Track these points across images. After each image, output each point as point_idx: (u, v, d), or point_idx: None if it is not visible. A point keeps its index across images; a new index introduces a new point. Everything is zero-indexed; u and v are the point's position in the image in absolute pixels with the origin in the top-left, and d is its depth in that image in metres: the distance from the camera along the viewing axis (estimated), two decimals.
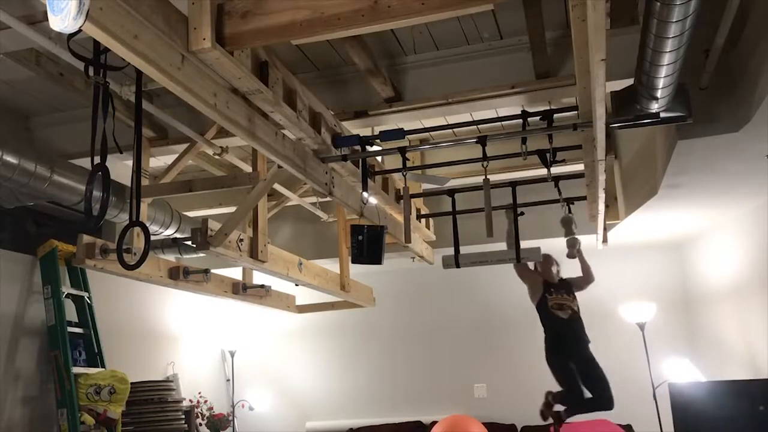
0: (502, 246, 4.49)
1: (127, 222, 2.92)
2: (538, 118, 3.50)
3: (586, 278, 4.95)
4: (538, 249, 4.33)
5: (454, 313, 6.87)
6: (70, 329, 4.54)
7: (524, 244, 4.37)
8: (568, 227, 4.49)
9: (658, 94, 2.81)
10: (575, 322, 4.75)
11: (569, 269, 4.93)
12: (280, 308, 5.74)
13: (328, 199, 4.07)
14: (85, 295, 4.77)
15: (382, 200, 4.48)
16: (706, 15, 2.40)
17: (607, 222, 5.14)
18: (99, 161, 2.50)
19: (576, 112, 3.28)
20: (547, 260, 4.81)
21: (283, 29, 2.31)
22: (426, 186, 5.19)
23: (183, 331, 6.44)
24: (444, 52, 3.97)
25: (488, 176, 3.81)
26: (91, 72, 2.50)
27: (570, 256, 4.64)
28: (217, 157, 4.48)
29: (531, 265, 4.81)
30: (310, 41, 3.38)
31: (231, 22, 2.32)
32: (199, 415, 6.07)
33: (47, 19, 1.75)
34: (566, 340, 4.71)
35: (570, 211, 4.51)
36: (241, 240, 3.97)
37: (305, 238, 6.26)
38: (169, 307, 6.23)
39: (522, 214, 4.42)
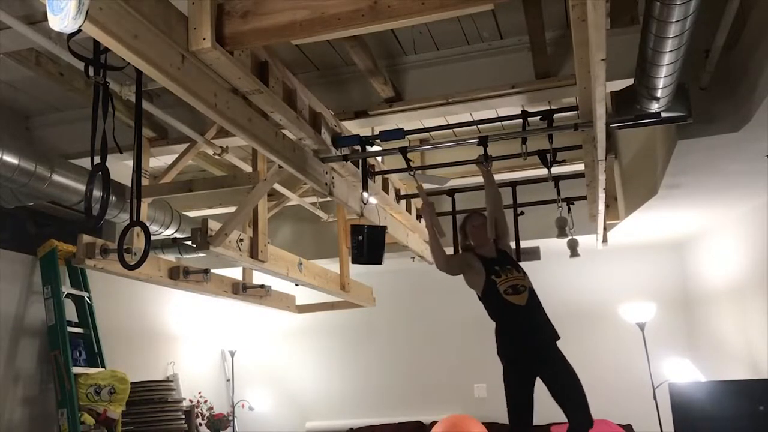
0: None
1: (128, 222, 2.92)
2: (538, 118, 3.50)
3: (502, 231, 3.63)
4: (537, 249, 4.29)
5: (454, 313, 6.85)
6: (70, 329, 4.54)
7: (524, 244, 4.37)
8: (561, 229, 4.49)
9: (658, 94, 2.81)
10: (535, 308, 3.49)
11: (566, 268, 4.90)
12: (280, 308, 5.74)
13: (328, 199, 4.07)
14: (85, 295, 4.77)
15: (382, 200, 4.48)
16: (706, 15, 2.40)
17: (607, 222, 5.14)
18: (99, 161, 2.51)
19: (576, 112, 3.28)
20: (482, 225, 3.55)
21: (283, 29, 2.31)
22: (426, 186, 5.18)
23: (183, 331, 6.43)
24: (444, 52, 3.96)
25: None
26: (91, 72, 2.50)
27: (572, 256, 4.64)
28: (217, 157, 4.48)
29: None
30: (310, 41, 3.38)
31: (231, 22, 2.32)
32: (199, 415, 6.07)
33: (47, 19, 1.75)
34: (523, 339, 3.50)
35: (569, 211, 4.51)
36: (241, 240, 3.97)
37: (305, 238, 6.26)
38: (169, 307, 6.22)
39: (522, 213, 4.42)
